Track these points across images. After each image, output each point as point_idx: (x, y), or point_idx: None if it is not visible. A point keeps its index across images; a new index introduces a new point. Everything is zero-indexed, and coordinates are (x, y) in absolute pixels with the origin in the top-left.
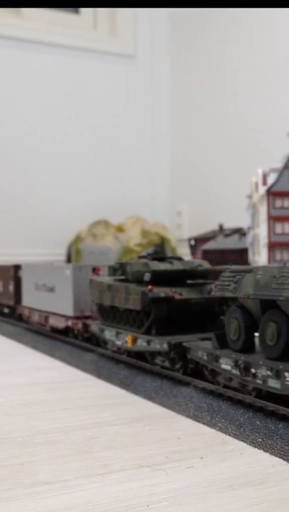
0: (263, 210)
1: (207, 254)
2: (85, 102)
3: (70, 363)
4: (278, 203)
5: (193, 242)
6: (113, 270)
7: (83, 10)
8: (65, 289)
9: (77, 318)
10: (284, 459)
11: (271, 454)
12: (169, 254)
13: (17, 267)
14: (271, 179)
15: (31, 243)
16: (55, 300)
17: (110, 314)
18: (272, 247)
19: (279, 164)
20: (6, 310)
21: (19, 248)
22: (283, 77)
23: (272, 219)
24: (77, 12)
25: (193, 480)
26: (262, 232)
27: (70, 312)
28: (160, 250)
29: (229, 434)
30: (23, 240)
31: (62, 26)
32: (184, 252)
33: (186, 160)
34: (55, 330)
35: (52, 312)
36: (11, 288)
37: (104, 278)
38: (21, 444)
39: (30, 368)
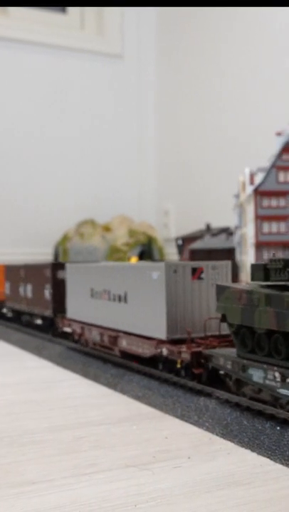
0: (250, 210)
1: (194, 254)
2: (71, 102)
3: (57, 363)
4: (265, 202)
5: (180, 242)
6: (264, 271)
7: (70, 9)
8: (150, 298)
9: (174, 342)
10: (271, 459)
11: (258, 453)
12: (156, 254)
13: (57, 266)
14: (258, 178)
15: (17, 242)
16: (130, 314)
17: (264, 344)
18: (259, 246)
19: (266, 164)
20: (38, 321)
21: (5, 247)
22: (271, 77)
23: (260, 218)
24: (64, 11)
25: (181, 480)
26: (249, 231)
27: (161, 334)
28: (147, 250)
29: (216, 434)
30: (9, 239)
31: (50, 26)
32: (171, 252)
33: (173, 159)
34: (131, 356)
35: (125, 332)
36: (47, 293)
37: (252, 285)
38: (9, 444)
39: (18, 368)
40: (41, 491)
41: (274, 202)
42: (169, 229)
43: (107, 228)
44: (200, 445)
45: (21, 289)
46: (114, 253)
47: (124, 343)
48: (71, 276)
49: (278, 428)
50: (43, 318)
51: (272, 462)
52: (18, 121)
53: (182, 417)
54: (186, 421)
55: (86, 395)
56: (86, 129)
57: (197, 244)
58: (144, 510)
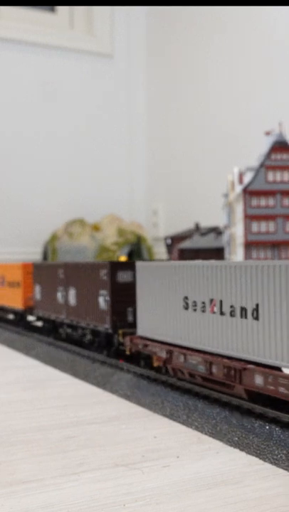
0: (239, 209)
1: (183, 253)
2: (61, 101)
3: (46, 362)
4: (254, 201)
5: (169, 241)
6: None
7: (59, 8)
8: None
9: None
10: (260, 458)
11: (247, 452)
12: (145, 253)
13: (117, 266)
14: (247, 178)
15: (5, 242)
16: (265, 336)
17: None
18: (248, 246)
19: (255, 163)
20: (88, 337)
21: None
22: (260, 77)
23: (249, 218)
24: (53, 11)
25: (170, 479)
26: (238, 231)
27: None
28: (136, 249)
29: (205, 433)
30: None
31: (39, 25)
32: (160, 251)
33: (163, 159)
34: (267, 399)
35: (257, 362)
36: (102, 302)
37: None
38: None
39: (6, 367)
40: (31, 490)
41: (263, 201)
42: (158, 228)
43: (96, 227)
44: (189, 444)
45: (60, 295)
46: (104, 252)
47: (257, 380)
48: (145, 279)
49: (267, 427)
50: (95, 332)
51: (261, 461)
52: (7, 121)
53: (171, 416)
54: (175, 420)
55: (75, 395)
56: (76, 128)
57: (186, 244)
58: (133, 509)
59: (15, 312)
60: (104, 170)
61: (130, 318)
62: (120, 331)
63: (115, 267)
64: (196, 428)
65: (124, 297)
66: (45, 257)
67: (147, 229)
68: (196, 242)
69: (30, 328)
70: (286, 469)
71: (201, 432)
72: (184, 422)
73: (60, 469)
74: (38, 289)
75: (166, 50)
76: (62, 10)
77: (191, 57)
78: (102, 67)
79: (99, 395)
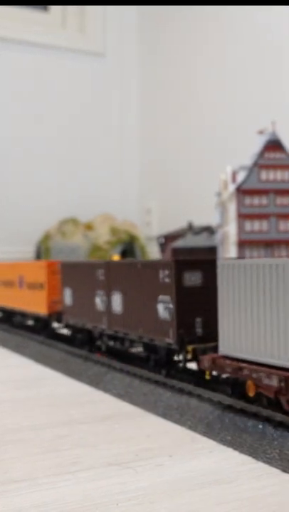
0: (232, 208)
1: (176, 253)
2: (53, 100)
3: (38, 361)
4: (248, 200)
5: (162, 240)
6: None
7: (52, 7)
8: None
9: None
10: (253, 457)
11: (240, 452)
12: (138, 252)
13: (184, 266)
14: (240, 177)
15: None
16: None
17: None
18: (241, 245)
19: (248, 162)
20: (139, 351)
21: None
22: (252, 75)
23: (242, 217)
24: (45, 10)
25: (163, 478)
26: (231, 230)
27: None
28: (129, 248)
29: (198, 432)
30: None
31: (31, 24)
32: (153, 250)
33: (156, 158)
34: None
35: None
36: (163, 310)
37: None
38: None
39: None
40: (24, 489)
41: (256, 200)
42: (151, 227)
43: (89, 226)
44: (182, 443)
45: (99, 300)
46: (96, 251)
47: None
48: (231, 281)
49: (260, 426)
50: (150, 347)
51: (254, 460)
52: None
53: (164, 415)
54: (168, 419)
55: (68, 393)
56: (68, 127)
57: (179, 243)
58: (126, 508)
59: (36, 318)
60: (97, 169)
61: (199, 330)
62: (189, 347)
63: (181, 267)
64: (189, 427)
65: (191, 305)
66: (38, 256)
67: (140, 228)
68: (189, 241)
69: (56, 337)
70: (279, 468)
71: (194, 431)
72: (177, 421)
73: (53, 468)
74: (68, 292)
75: (159, 49)
76: (55, 9)
77: (184, 56)
78: (94, 66)
79: (92, 394)
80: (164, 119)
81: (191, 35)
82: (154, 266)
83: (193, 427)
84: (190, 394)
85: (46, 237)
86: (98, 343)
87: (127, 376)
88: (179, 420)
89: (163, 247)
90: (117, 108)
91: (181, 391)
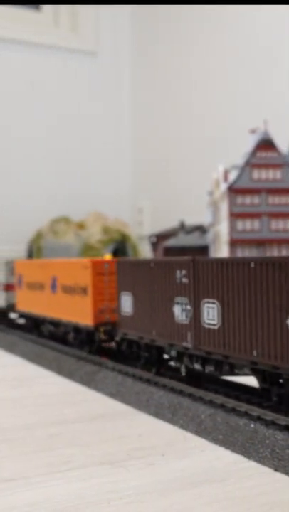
0: (224, 207)
1: (168, 252)
2: (46, 99)
3: (31, 360)
4: (239, 199)
5: (154, 239)
6: None
7: (44, 6)
8: None
9: None
10: (245, 456)
11: (232, 451)
12: (130, 251)
13: None
14: (232, 176)
15: None
16: None
17: None
18: (233, 244)
19: (240, 161)
20: (252, 379)
21: None
22: (244, 75)
23: (234, 216)
24: (38, 9)
25: (155, 477)
26: (223, 229)
27: None
28: (121, 247)
29: (190, 431)
30: None
31: (23, 22)
32: (145, 249)
33: (148, 157)
34: None
35: None
36: None
37: None
38: None
39: None
40: (16, 488)
41: (248, 199)
42: (143, 226)
43: (81, 225)
44: (174, 442)
45: (179, 309)
46: (88, 250)
47: None
48: None
49: (252, 425)
50: (272, 377)
51: (246, 459)
52: None
53: (156, 414)
54: (159, 418)
55: (60, 393)
56: (60, 126)
57: (171, 242)
58: (118, 507)
59: (77, 329)
60: (89, 168)
61: None
62: None
63: None
64: (181, 426)
65: None
66: (30, 255)
67: (132, 227)
68: (181, 240)
69: (104, 353)
70: (271, 467)
71: (186, 430)
72: (169, 421)
73: (45, 467)
74: (126, 298)
75: (152, 48)
76: (47, 8)
77: (176, 55)
78: (86, 65)
79: (84, 393)
80: (157, 119)
81: (184, 35)
82: (275, 261)
83: (185, 426)
84: (182, 393)
85: (38, 236)
86: (175, 364)
87: (119, 375)
88: (171, 419)
89: (155, 246)
90: (109, 107)
91: (172, 390)
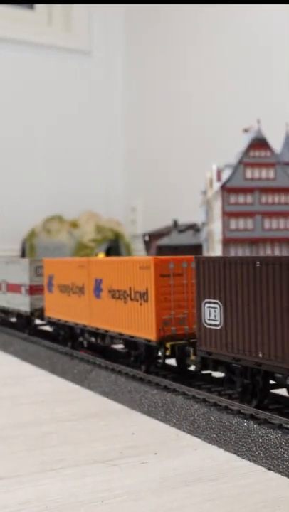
0: (217, 206)
1: (161, 250)
2: (39, 98)
3: (24, 359)
4: (232, 198)
5: (147, 238)
6: None
7: (38, 6)
8: None
9: None
10: (238, 455)
11: (225, 449)
12: (123, 250)
13: None
14: (226, 175)
15: None
16: None
17: None
18: (226, 243)
19: (233, 160)
20: None
21: None
22: (238, 74)
23: (227, 215)
24: (31, 8)
25: (148, 475)
26: (216, 228)
27: None
28: (114, 246)
29: (183, 430)
30: None
31: (17, 21)
32: (138, 248)
33: (141, 156)
34: None
35: None
36: None
37: None
38: None
39: None
40: (9, 486)
41: (241, 198)
42: (136, 225)
43: (74, 224)
44: (167, 441)
45: None
46: (82, 249)
47: None
48: None
49: (245, 424)
50: None
51: (239, 458)
52: None
53: (149, 413)
54: (153, 417)
55: (53, 391)
56: (54, 125)
57: (164, 241)
58: (111, 505)
59: (132, 344)
60: (82, 167)
61: None
62: None
63: None
64: (174, 425)
65: None
66: (23, 254)
67: (125, 226)
68: (174, 239)
69: (181, 376)
70: (264, 466)
71: (179, 428)
72: (162, 419)
73: (38, 465)
74: (211, 306)
75: (144, 47)
76: (41, 7)
77: (169, 54)
78: (79, 64)
79: (77, 392)
80: (150, 118)
81: (177, 35)
82: None
83: (178, 425)
84: (175, 391)
85: (31, 235)
86: None
87: (112, 373)
88: (164, 418)
89: (148, 244)
90: (102, 106)
91: (166, 388)
